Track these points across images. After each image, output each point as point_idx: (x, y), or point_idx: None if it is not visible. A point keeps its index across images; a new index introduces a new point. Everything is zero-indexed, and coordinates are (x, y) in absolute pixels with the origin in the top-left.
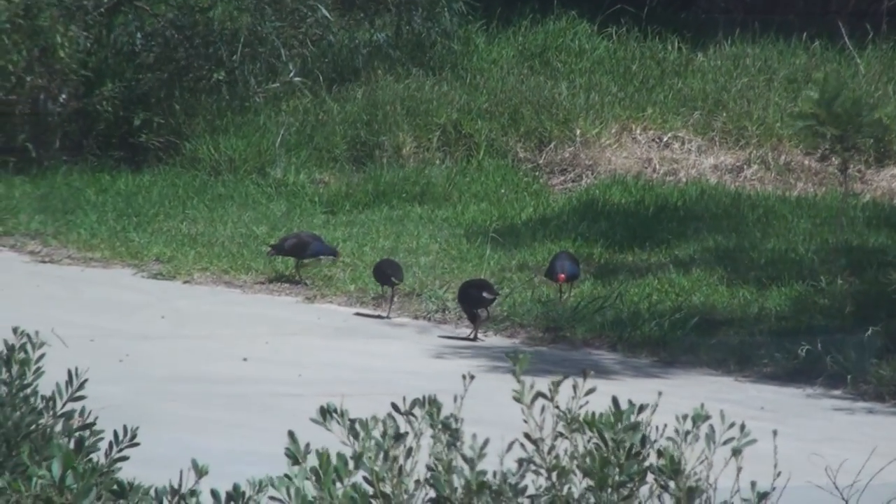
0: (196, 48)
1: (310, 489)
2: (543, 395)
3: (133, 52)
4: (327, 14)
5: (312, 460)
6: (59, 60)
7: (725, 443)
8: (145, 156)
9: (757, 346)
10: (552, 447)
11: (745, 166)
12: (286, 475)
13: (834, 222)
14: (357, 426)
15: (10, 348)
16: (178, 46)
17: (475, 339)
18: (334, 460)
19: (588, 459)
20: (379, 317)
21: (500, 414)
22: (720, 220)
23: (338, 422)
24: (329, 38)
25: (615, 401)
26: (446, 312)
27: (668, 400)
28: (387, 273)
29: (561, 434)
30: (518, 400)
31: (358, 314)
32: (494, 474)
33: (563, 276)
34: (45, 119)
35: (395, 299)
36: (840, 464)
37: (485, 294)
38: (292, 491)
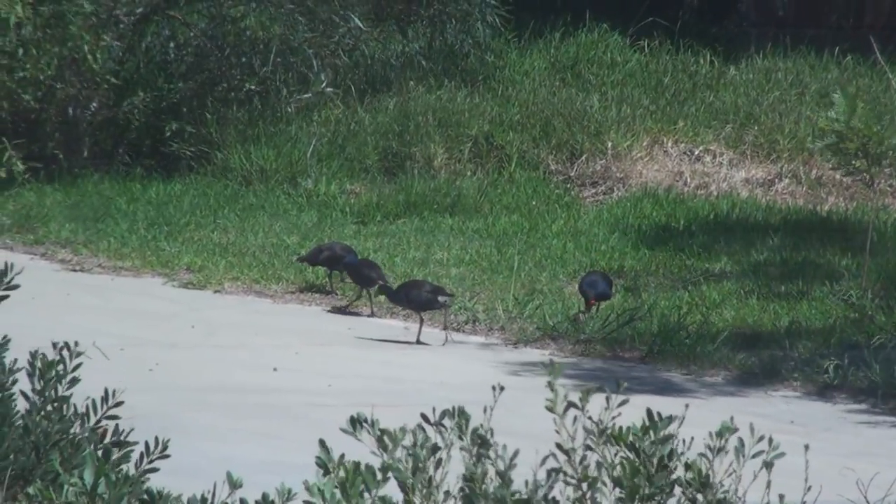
0: (228, 58)
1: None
2: (574, 405)
3: (165, 62)
4: (360, 24)
5: (342, 473)
6: (89, 69)
7: (755, 456)
8: (176, 165)
9: (787, 360)
10: (583, 457)
11: (776, 180)
12: (315, 484)
13: (864, 237)
14: (385, 438)
15: (35, 357)
16: (210, 56)
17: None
18: (363, 471)
19: (619, 469)
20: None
21: (531, 426)
22: (751, 233)
23: (368, 432)
24: (361, 49)
25: (649, 413)
26: (476, 324)
27: (697, 413)
28: (364, 273)
29: (590, 448)
30: (551, 410)
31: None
32: (526, 483)
33: (593, 300)
34: (74, 127)
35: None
36: (871, 478)
37: (440, 297)
38: (327, 495)
